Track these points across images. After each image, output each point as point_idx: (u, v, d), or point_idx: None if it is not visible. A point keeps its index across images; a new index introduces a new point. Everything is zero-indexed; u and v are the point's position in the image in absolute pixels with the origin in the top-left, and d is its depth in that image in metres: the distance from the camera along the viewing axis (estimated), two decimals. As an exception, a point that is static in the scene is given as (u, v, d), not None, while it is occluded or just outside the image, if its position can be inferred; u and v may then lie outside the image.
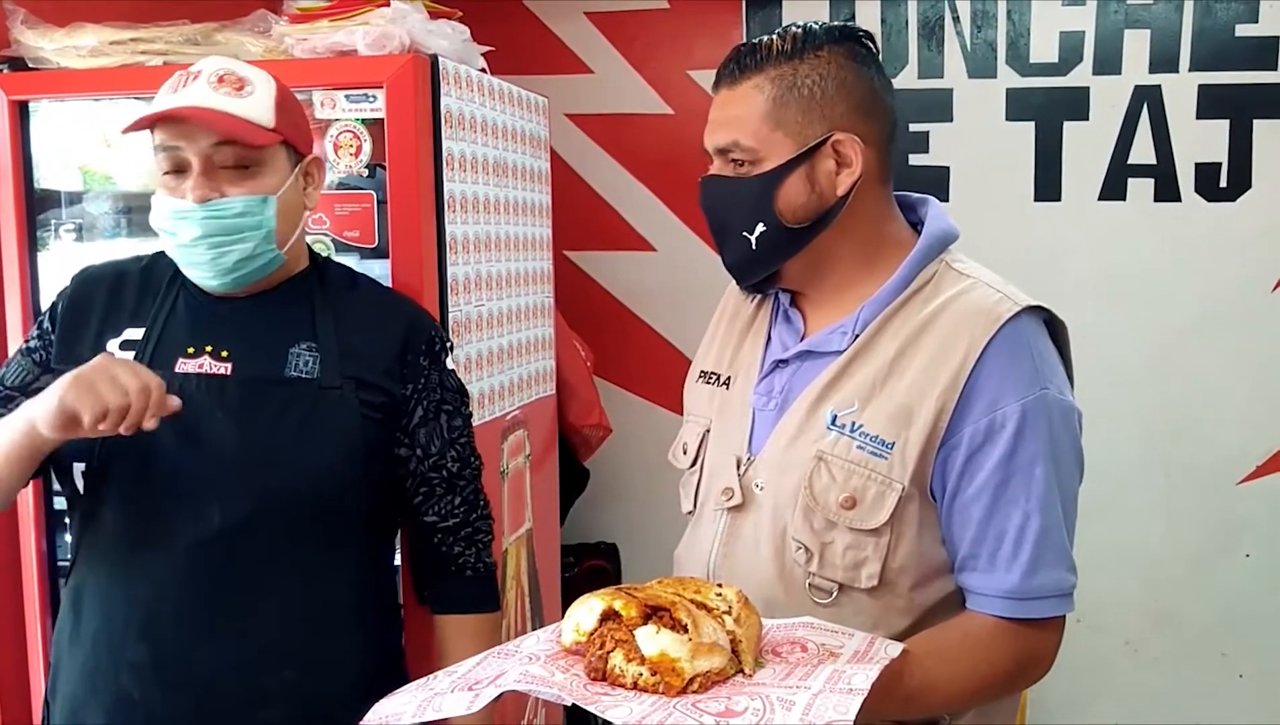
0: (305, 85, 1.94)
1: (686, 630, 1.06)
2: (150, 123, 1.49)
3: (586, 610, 1.11)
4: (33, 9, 2.07)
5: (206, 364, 1.53)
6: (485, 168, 2.14)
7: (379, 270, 2.04)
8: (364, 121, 1.92)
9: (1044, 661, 1.33)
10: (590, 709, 1.03)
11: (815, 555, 1.32)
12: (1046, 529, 1.28)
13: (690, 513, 1.51)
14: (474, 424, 2.08)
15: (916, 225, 1.43)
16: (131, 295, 1.60)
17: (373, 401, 1.57)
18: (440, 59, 1.94)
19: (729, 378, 1.49)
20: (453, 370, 1.68)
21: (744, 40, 3.33)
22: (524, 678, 1.07)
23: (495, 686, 1.06)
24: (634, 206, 3.48)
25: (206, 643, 1.49)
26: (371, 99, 1.89)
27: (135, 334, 1.55)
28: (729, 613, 1.12)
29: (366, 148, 1.92)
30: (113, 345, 1.55)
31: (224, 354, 1.54)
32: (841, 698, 1.01)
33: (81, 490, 1.52)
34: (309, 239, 1.97)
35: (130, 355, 1.53)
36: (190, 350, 1.54)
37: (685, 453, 1.52)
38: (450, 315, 1.99)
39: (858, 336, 1.36)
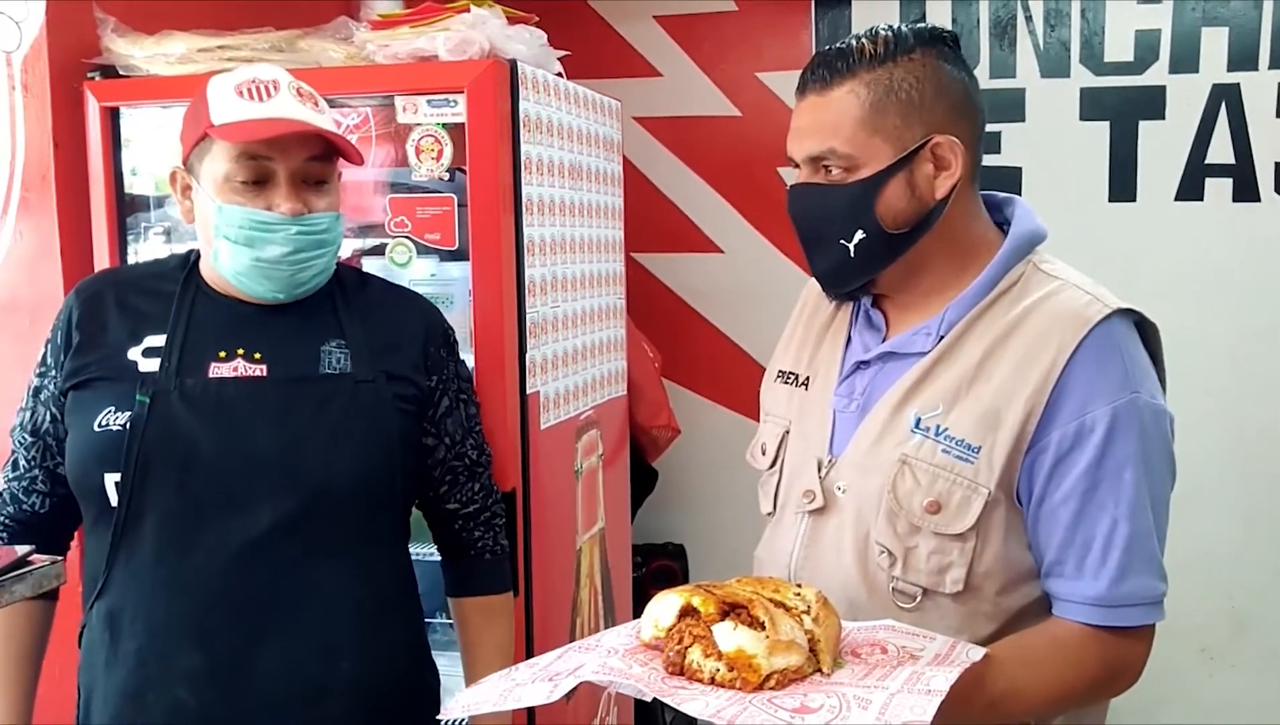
0: (387, 90, 1.98)
1: (764, 628, 1.06)
2: (270, 132, 1.46)
3: (665, 606, 1.13)
4: (123, 17, 2.13)
5: (240, 367, 1.52)
6: (561, 171, 2.16)
7: (458, 272, 2.08)
8: (445, 126, 1.95)
9: (1132, 670, 1.30)
10: (667, 701, 1.04)
11: (899, 560, 1.31)
12: (1135, 535, 1.25)
13: (770, 514, 1.50)
14: (550, 424, 2.12)
15: (1002, 225, 1.41)
16: (142, 302, 1.57)
17: (403, 393, 1.58)
18: (519, 63, 1.96)
19: (808, 378, 1.48)
20: (464, 361, 1.72)
21: (813, 41, 3.34)
22: (602, 669, 1.09)
23: (574, 677, 1.08)
24: (701, 208, 3.49)
25: (262, 643, 1.48)
26: (452, 104, 1.92)
27: (157, 341, 1.52)
28: (807, 612, 1.12)
29: (447, 152, 1.95)
30: (135, 353, 1.52)
31: (257, 356, 1.53)
32: (919, 698, 1.01)
33: (114, 501, 1.48)
34: (391, 241, 2.01)
35: (155, 362, 1.51)
36: (221, 353, 1.53)
37: (764, 453, 1.51)
38: (528, 316, 2.01)
39: (942, 338, 1.34)
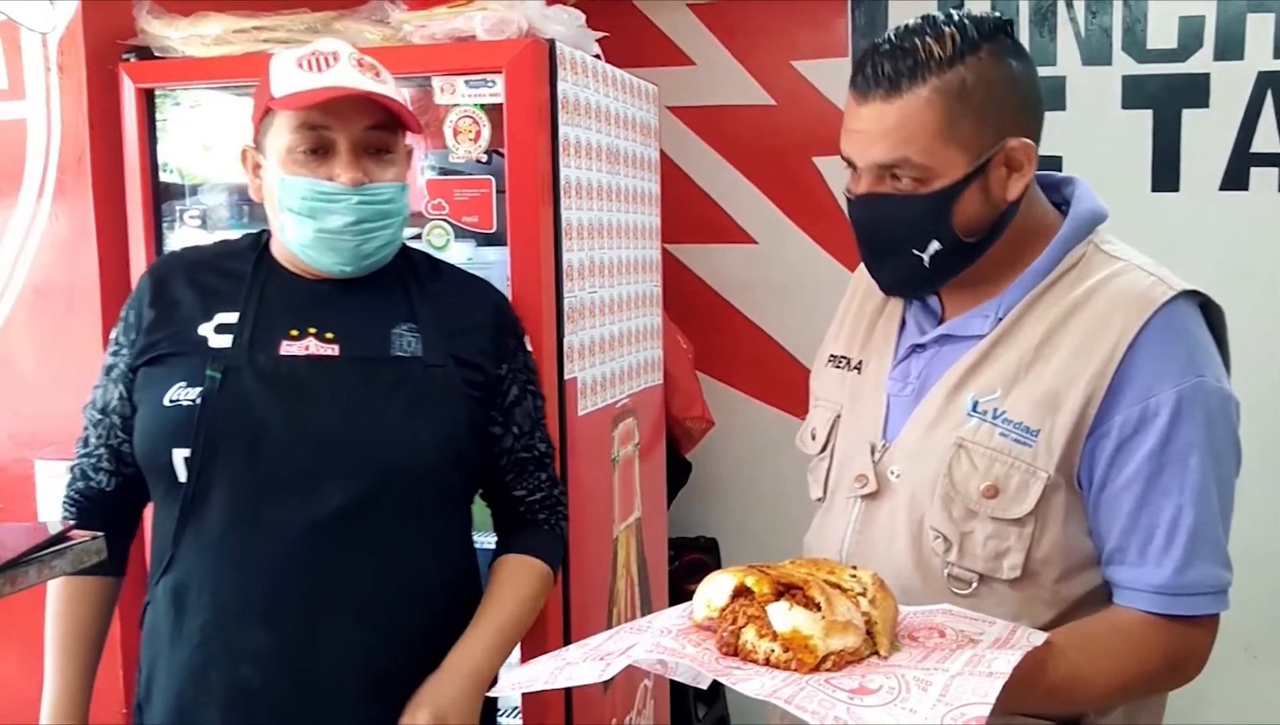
0: (424, 71, 1.96)
1: (820, 609, 1.04)
2: (324, 99, 1.46)
3: (718, 587, 1.11)
4: (158, -1, 2.12)
5: (312, 345, 1.52)
6: (599, 154, 2.13)
7: (494, 256, 2.05)
8: (482, 107, 1.92)
9: (1196, 660, 1.27)
10: (723, 680, 1.03)
11: (954, 545, 1.29)
12: (1201, 523, 1.22)
13: (820, 499, 1.47)
14: (587, 410, 2.10)
15: (1060, 205, 1.38)
16: (214, 280, 1.58)
17: (472, 380, 1.57)
18: (557, 44, 1.93)
19: (860, 362, 1.45)
20: (530, 352, 1.70)
21: (849, 29, 3.30)
22: (656, 648, 1.08)
23: (626, 657, 1.06)
24: (735, 199, 3.45)
25: (327, 624, 1.48)
26: (490, 84, 1.90)
27: (229, 317, 1.53)
28: (864, 594, 1.10)
29: (485, 133, 1.92)
30: (207, 329, 1.52)
31: (329, 336, 1.53)
32: (981, 681, 0.99)
33: (183, 476, 1.48)
34: (428, 225, 1.99)
35: (228, 338, 1.51)
36: (294, 332, 1.52)
37: (814, 438, 1.48)
38: (565, 301, 1.98)
39: (1000, 320, 1.31)
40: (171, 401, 1.48)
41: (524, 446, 1.64)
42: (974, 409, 1.29)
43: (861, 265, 1.51)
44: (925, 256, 1.29)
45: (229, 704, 1.48)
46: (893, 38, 1.28)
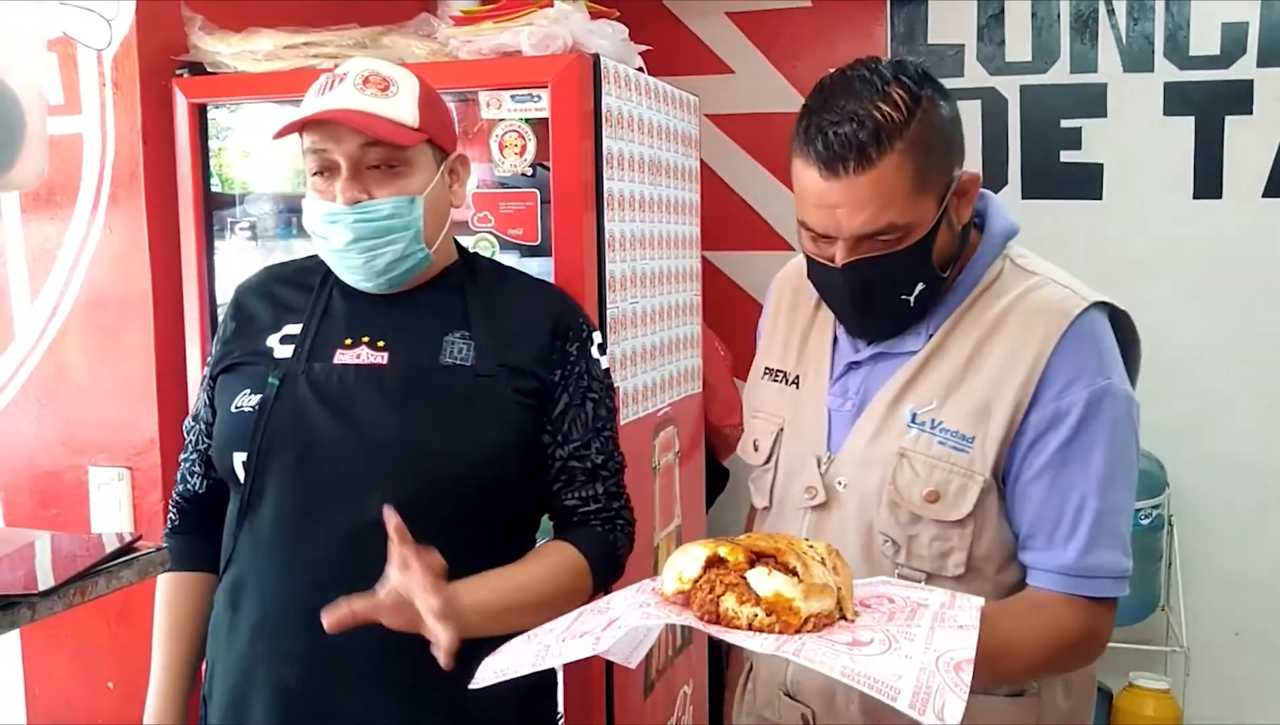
0: (470, 86, 1.99)
1: (796, 574, 1.07)
2: (298, 127, 1.51)
3: (689, 558, 1.11)
4: (210, 15, 2.16)
5: (363, 354, 1.55)
6: (641, 166, 2.15)
7: (538, 267, 2.07)
8: (528, 121, 1.95)
9: (1101, 639, 1.36)
10: (725, 638, 1.05)
11: (903, 547, 1.38)
12: (1103, 512, 1.32)
13: (765, 508, 1.55)
14: (628, 420, 2.11)
15: (975, 220, 1.45)
16: (288, 294, 1.64)
17: (525, 387, 1.57)
18: (601, 58, 1.96)
19: (798, 377, 1.53)
20: (598, 360, 1.66)
21: (888, 37, 3.31)
22: (647, 616, 1.08)
23: (618, 627, 1.07)
24: (773, 206, 3.46)
25: (371, 630, 1.44)
26: (536, 99, 1.92)
27: (294, 329, 1.59)
28: (823, 563, 1.12)
29: (531, 147, 1.95)
30: (273, 340, 1.58)
31: (380, 344, 1.56)
32: (955, 633, 1.05)
33: (241, 479, 1.54)
34: (474, 237, 2.02)
35: (290, 348, 1.56)
36: (347, 341, 1.56)
37: (757, 449, 1.56)
38: (608, 312, 2.00)
39: (931, 336, 1.41)
40: (236, 408, 1.54)
41: (572, 454, 1.61)
42: (913, 420, 1.39)
43: (780, 277, 1.63)
44: (912, 299, 1.38)
45: (274, 702, 1.51)
46: (840, 109, 1.29)
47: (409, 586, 1.31)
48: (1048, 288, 1.39)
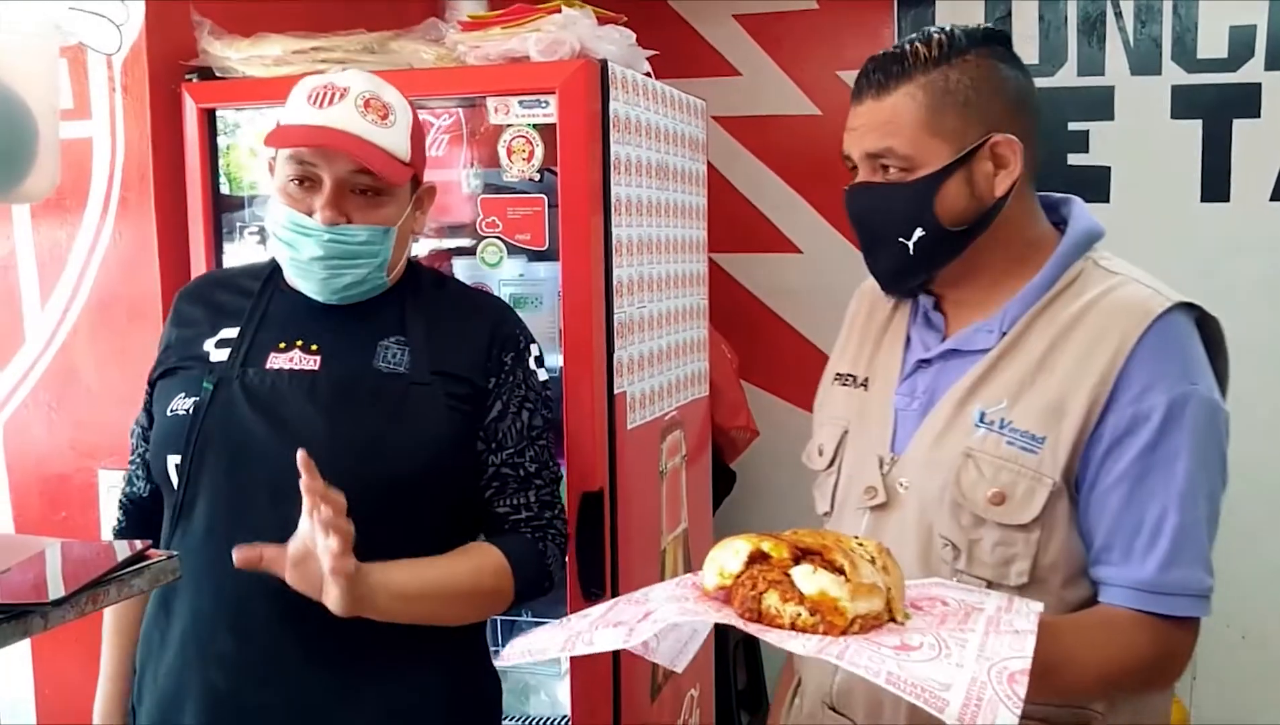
0: (478, 92, 2.00)
1: (843, 572, 1.02)
2: (300, 141, 1.50)
3: (731, 553, 1.08)
4: (219, 20, 2.16)
5: (296, 358, 1.55)
6: (648, 171, 2.16)
7: (545, 272, 2.08)
8: (535, 126, 1.95)
9: (1177, 662, 1.29)
10: (766, 639, 1.01)
11: (963, 552, 1.32)
12: (1185, 525, 1.25)
13: (826, 514, 1.52)
14: (636, 424, 2.12)
15: (1059, 225, 1.43)
16: (226, 298, 1.63)
17: (458, 392, 1.56)
18: (609, 63, 1.96)
19: (867, 379, 1.49)
20: (535, 372, 1.65)
21: (895, 39, 3.30)
22: (685, 612, 1.05)
23: (652, 622, 1.03)
24: (780, 208, 3.47)
25: (297, 635, 1.47)
26: (544, 104, 1.93)
27: (231, 332, 1.58)
28: (872, 562, 1.08)
29: (538, 152, 1.96)
30: (209, 344, 1.57)
31: (314, 348, 1.55)
32: (1011, 638, 1.00)
33: (175, 483, 1.53)
34: (482, 241, 2.02)
35: (225, 352, 1.55)
36: (281, 345, 1.56)
37: (821, 454, 1.53)
38: (615, 317, 2.01)
39: (1005, 334, 1.36)
40: (172, 412, 1.54)
41: (505, 462, 1.59)
42: (981, 420, 1.33)
43: (861, 287, 1.59)
44: (910, 244, 1.35)
45: (203, 705, 1.50)
46: (890, 48, 1.37)
47: (315, 535, 1.31)
48: (1129, 287, 1.34)
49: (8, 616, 0.98)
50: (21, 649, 2.25)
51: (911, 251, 1.35)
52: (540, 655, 1.06)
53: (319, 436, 1.48)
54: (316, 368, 1.54)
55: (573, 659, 1.71)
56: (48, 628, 1.01)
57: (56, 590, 1.03)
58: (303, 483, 1.30)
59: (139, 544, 1.13)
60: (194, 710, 1.51)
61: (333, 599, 1.32)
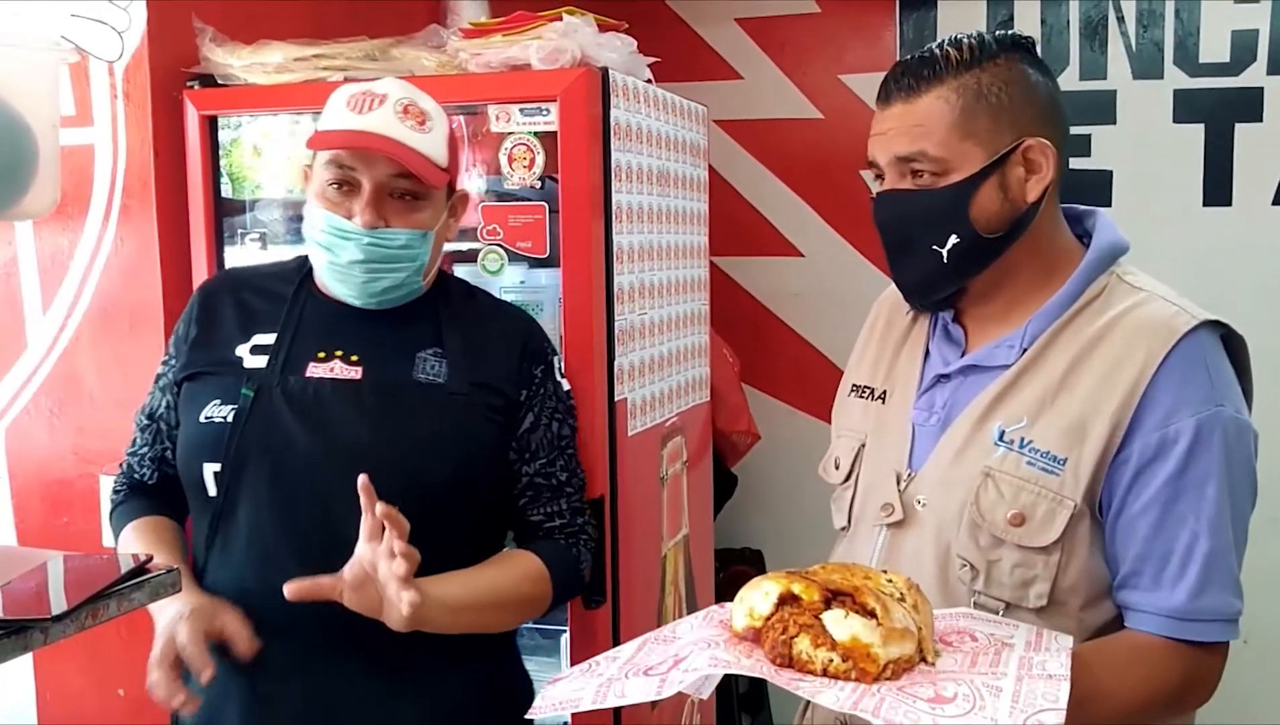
0: (480, 99, 1.99)
1: (874, 616, 1.02)
2: (341, 144, 1.52)
3: (761, 594, 1.07)
4: (221, 27, 2.16)
5: (337, 368, 1.56)
6: (649, 177, 2.16)
7: (546, 279, 2.08)
8: (537, 134, 1.96)
9: (1207, 686, 1.28)
10: (798, 693, 1.00)
11: (981, 573, 1.30)
12: (1215, 551, 1.24)
13: (844, 528, 1.49)
14: (636, 430, 2.12)
15: (1082, 237, 1.40)
16: (259, 301, 1.64)
17: (494, 404, 1.59)
18: (610, 71, 1.96)
19: (885, 392, 1.47)
20: (561, 383, 1.69)
21: (897, 43, 3.31)
22: (715, 662, 1.04)
23: (682, 671, 1.03)
24: (782, 212, 3.47)
25: (340, 641, 1.49)
26: (545, 112, 1.93)
27: (266, 339, 1.59)
28: (902, 600, 1.08)
29: (539, 160, 1.96)
30: (243, 349, 1.58)
31: (354, 358, 1.57)
32: (1044, 684, 0.99)
33: (212, 493, 1.54)
34: (484, 248, 2.03)
35: (263, 359, 1.57)
36: (321, 354, 1.57)
37: (838, 467, 1.50)
38: (616, 324, 2.01)
39: (1026, 350, 1.33)
40: (205, 418, 1.54)
41: (539, 472, 1.64)
42: (1001, 438, 1.31)
43: (881, 297, 1.56)
44: (944, 252, 1.32)
45: (249, 711, 1.52)
46: (919, 52, 1.36)
47: (375, 559, 1.33)
48: (1154, 304, 1.31)
49: (8, 632, 0.99)
50: (23, 656, 2.25)
51: (945, 259, 1.33)
52: (573, 708, 1.05)
53: (364, 447, 1.51)
54: (359, 378, 1.56)
55: (572, 658, 1.72)
56: (48, 643, 1.02)
57: (58, 605, 1.04)
58: (365, 507, 1.33)
59: (141, 555, 1.14)
60: (236, 714, 1.52)
61: (395, 619, 1.35)
